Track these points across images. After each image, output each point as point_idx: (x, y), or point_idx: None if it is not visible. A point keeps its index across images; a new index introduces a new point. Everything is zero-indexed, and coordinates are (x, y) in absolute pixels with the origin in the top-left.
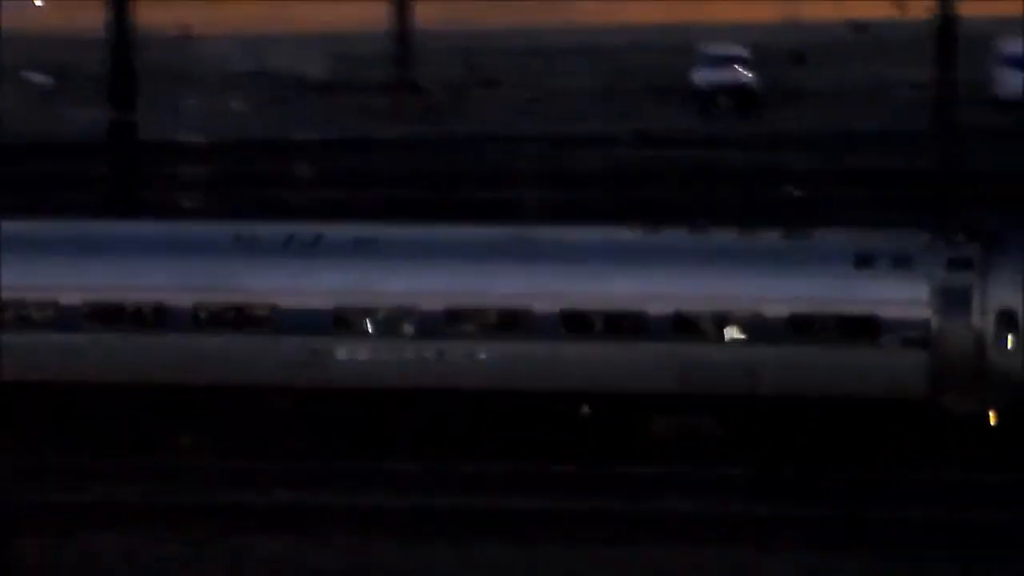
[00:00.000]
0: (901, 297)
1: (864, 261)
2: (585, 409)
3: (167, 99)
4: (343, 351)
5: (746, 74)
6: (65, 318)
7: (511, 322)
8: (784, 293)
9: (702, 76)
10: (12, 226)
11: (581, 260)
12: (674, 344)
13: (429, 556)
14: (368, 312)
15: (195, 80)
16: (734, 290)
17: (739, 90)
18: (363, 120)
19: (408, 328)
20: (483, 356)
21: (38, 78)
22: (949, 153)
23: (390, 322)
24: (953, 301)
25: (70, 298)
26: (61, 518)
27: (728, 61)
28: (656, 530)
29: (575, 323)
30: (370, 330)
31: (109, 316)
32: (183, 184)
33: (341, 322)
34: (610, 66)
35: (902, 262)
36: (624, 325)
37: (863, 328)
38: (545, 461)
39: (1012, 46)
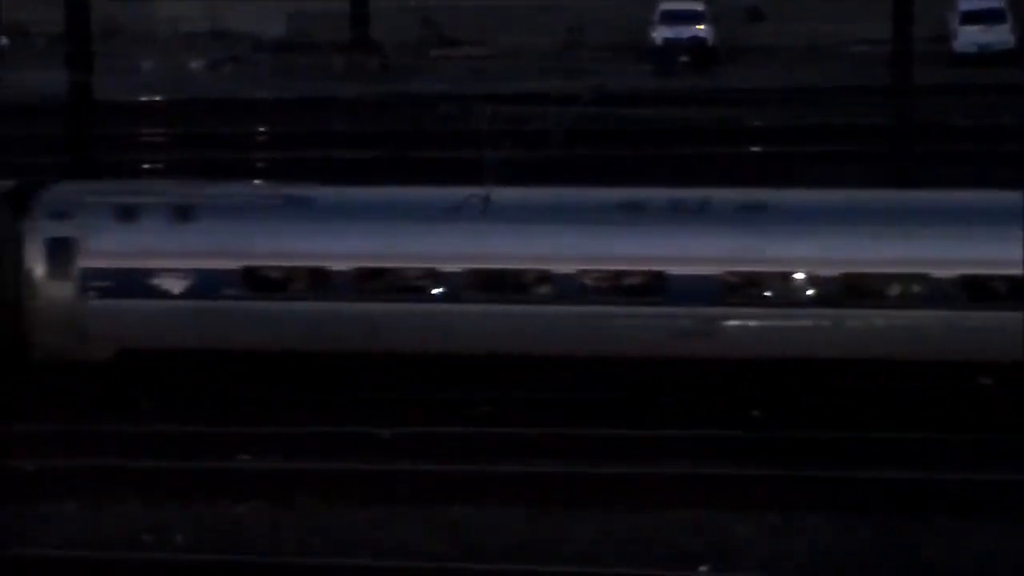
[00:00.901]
0: None
1: None
2: (985, 380)
3: (123, 60)
4: (733, 320)
5: (705, 30)
6: (445, 287)
7: (906, 289)
8: None
9: (660, 33)
10: (343, 192)
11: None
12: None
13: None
14: (759, 279)
15: (150, 41)
16: None
17: (698, 47)
18: (320, 79)
19: (802, 296)
20: (881, 324)
21: None
22: (904, 108)
23: (782, 290)
24: None
25: (452, 267)
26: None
27: (686, 18)
28: None
29: (976, 290)
30: (761, 298)
31: (489, 285)
32: (144, 146)
33: (731, 290)
34: (567, 23)
35: None
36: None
37: None
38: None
39: (968, 2)
